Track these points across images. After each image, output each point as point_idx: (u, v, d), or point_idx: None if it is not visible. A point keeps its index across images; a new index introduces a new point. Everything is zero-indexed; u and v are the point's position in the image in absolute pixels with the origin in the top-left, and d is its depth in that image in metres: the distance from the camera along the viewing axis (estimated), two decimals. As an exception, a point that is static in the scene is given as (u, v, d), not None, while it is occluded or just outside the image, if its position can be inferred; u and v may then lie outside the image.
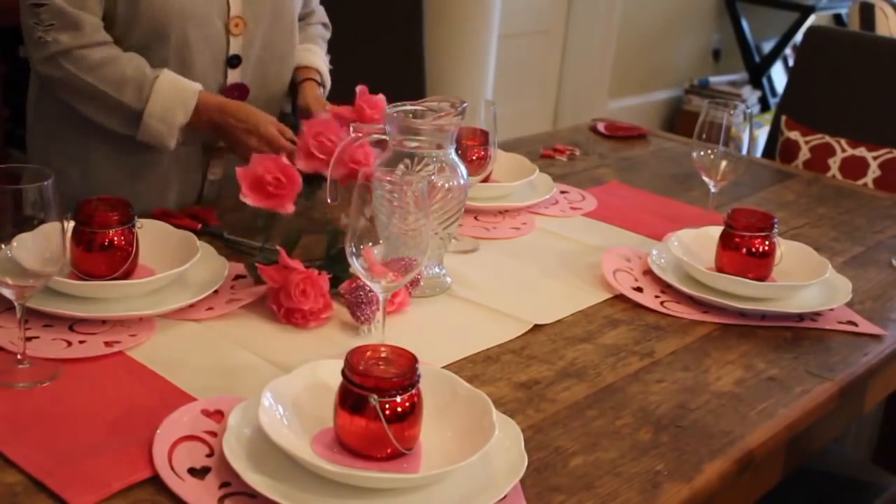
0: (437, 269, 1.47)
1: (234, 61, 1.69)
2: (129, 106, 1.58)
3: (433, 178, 1.38)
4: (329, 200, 1.45)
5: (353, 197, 1.15)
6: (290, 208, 1.39)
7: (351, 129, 1.43)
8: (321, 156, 1.47)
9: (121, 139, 1.66)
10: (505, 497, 0.99)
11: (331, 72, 1.88)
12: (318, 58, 1.83)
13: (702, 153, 1.79)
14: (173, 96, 1.58)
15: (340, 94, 1.72)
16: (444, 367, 1.21)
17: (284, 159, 1.42)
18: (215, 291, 1.35)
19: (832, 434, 1.45)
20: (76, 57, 1.56)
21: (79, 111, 1.63)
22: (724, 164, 1.77)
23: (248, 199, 1.39)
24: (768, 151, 2.81)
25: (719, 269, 1.52)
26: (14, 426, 1.05)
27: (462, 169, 1.42)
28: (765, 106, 5.36)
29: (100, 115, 1.62)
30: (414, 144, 1.38)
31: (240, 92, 1.71)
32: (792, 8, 5.27)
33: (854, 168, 2.58)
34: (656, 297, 1.50)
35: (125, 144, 1.67)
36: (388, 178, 1.21)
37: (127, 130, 1.61)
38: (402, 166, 1.37)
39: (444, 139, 1.39)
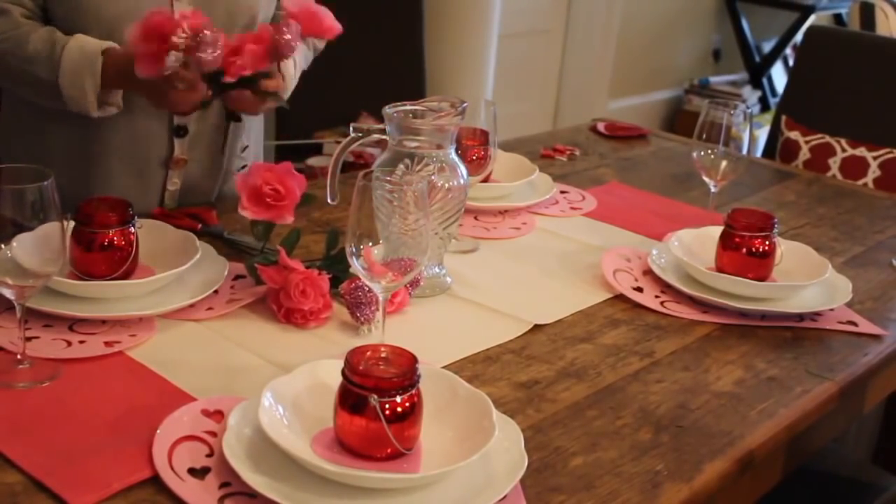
0: (437, 269, 1.47)
1: None
2: (46, 81, 1.55)
3: (433, 178, 1.38)
4: (329, 200, 1.45)
5: (353, 196, 1.15)
6: (289, 219, 1.39)
7: (351, 128, 1.43)
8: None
9: (76, 149, 1.65)
10: (505, 497, 0.99)
11: (330, 73, 1.85)
12: None
13: (702, 153, 1.79)
14: (79, 61, 1.52)
15: (340, 94, 1.72)
16: (444, 367, 1.21)
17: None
18: (215, 291, 1.35)
19: (832, 434, 1.45)
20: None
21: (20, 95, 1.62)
22: (724, 164, 1.77)
23: (248, 212, 1.38)
24: (768, 151, 2.81)
25: (719, 269, 1.52)
26: (14, 426, 1.05)
27: (462, 169, 1.42)
28: (765, 106, 5.37)
29: (32, 94, 1.61)
30: (414, 144, 1.38)
31: None
32: (792, 8, 5.27)
33: (854, 168, 2.58)
34: (656, 297, 1.50)
35: (82, 155, 1.65)
36: (388, 178, 1.21)
37: (59, 105, 1.57)
38: (402, 166, 1.37)
39: (444, 139, 1.39)
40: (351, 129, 1.43)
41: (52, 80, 1.54)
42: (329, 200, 1.45)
